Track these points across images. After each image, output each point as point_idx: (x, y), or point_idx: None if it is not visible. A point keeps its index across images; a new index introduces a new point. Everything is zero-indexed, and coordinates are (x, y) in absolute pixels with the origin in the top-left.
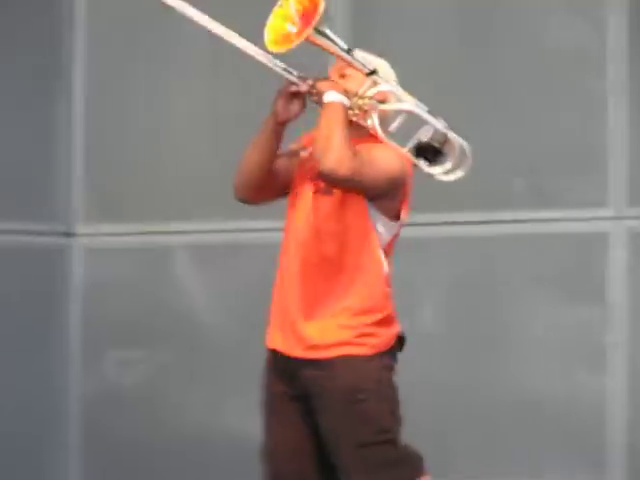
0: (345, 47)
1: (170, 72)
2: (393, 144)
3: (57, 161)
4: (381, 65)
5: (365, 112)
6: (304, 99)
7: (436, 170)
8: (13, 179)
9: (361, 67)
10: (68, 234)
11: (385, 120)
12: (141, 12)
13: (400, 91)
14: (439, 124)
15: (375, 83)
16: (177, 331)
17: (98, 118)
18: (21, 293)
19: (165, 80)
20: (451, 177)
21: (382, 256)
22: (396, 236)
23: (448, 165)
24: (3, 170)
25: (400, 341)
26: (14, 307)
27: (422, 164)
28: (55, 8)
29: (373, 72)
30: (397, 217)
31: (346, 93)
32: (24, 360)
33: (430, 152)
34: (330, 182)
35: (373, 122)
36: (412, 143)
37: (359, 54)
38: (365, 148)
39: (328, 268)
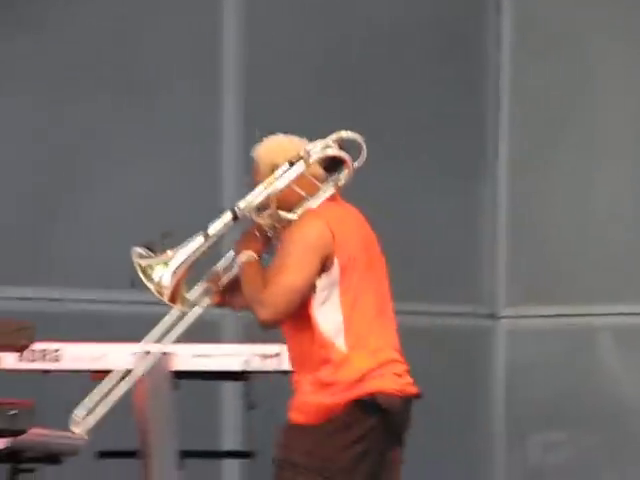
0: (201, 240)
1: (591, 153)
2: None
3: (482, 243)
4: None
5: (275, 224)
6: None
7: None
8: (440, 262)
9: (223, 226)
10: (492, 316)
11: (292, 197)
12: (565, 96)
13: (280, 172)
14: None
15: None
16: (600, 413)
17: (521, 200)
18: (445, 374)
19: (586, 161)
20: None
21: (317, 316)
22: (352, 276)
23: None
24: (431, 253)
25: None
26: (439, 387)
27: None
28: (481, 91)
29: (235, 215)
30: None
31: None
32: (448, 443)
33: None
34: (272, 328)
35: (287, 218)
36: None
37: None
38: (281, 262)
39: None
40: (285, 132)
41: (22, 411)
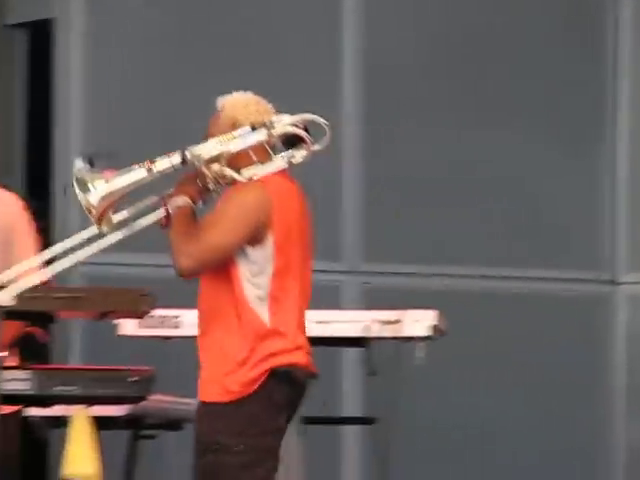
0: (144, 173)
1: None
2: (258, 175)
3: (602, 209)
4: (234, 105)
5: (219, 179)
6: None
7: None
8: (560, 229)
9: (170, 168)
10: (612, 282)
11: (243, 158)
12: None
13: (240, 132)
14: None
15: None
16: None
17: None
18: (565, 341)
19: None
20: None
21: (244, 286)
22: (284, 253)
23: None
24: (551, 220)
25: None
26: (558, 353)
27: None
28: (601, 58)
29: (184, 160)
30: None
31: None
32: (569, 407)
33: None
34: (188, 279)
35: (233, 177)
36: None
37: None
38: (214, 218)
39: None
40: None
41: (142, 378)
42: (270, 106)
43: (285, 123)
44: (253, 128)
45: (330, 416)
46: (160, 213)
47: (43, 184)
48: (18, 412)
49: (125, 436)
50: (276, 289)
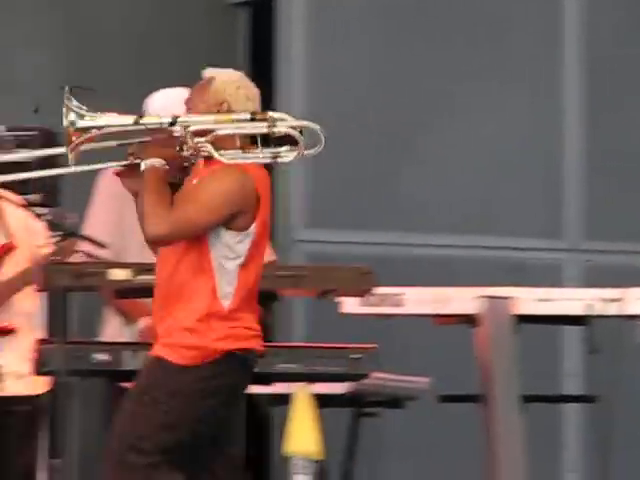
0: (129, 121)
1: None
2: (238, 162)
3: None
4: (224, 83)
5: (199, 150)
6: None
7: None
8: None
9: (158, 126)
10: None
11: (227, 140)
12: None
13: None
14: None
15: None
16: None
17: None
18: None
19: None
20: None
21: (216, 266)
22: (257, 244)
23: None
24: None
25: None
26: None
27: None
28: None
29: (173, 123)
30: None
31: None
32: None
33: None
34: (156, 246)
35: (215, 155)
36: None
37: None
38: (191, 193)
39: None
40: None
41: (365, 355)
42: (257, 92)
43: (288, 125)
44: (253, 119)
45: (551, 394)
46: (127, 161)
47: None
48: None
49: (347, 414)
50: (244, 275)
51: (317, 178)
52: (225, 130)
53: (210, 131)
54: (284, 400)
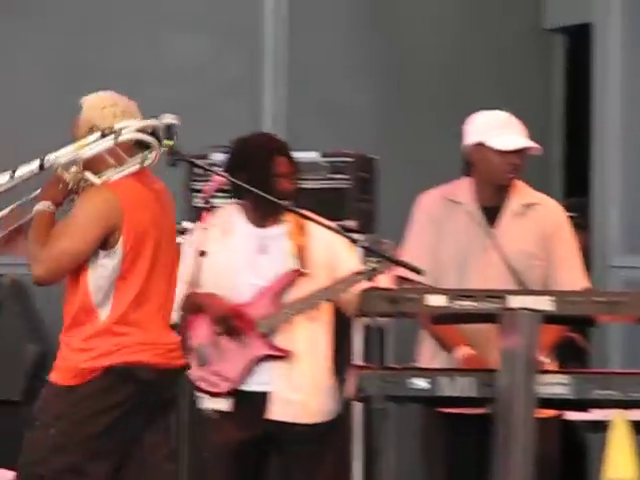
0: (6, 177)
1: None
2: (114, 178)
3: None
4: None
5: (79, 181)
6: None
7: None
8: None
9: (30, 174)
10: None
11: (99, 162)
12: None
13: (92, 138)
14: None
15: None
16: None
17: None
18: None
19: None
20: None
21: (90, 284)
22: (134, 258)
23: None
24: None
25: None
26: None
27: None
28: None
29: (42, 165)
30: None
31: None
32: None
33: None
34: (44, 286)
35: (91, 180)
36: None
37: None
38: (65, 224)
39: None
40: None
41: None
42: (131, 105)
43: (131, 130)
44: (103, 135)
45: None
46: (28, 217)
47: (583, 179)
48: (558, 416)
49: None
50: (124, 290)
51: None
52: (86, 154)
53: (76, 160)
54: (601, 427)
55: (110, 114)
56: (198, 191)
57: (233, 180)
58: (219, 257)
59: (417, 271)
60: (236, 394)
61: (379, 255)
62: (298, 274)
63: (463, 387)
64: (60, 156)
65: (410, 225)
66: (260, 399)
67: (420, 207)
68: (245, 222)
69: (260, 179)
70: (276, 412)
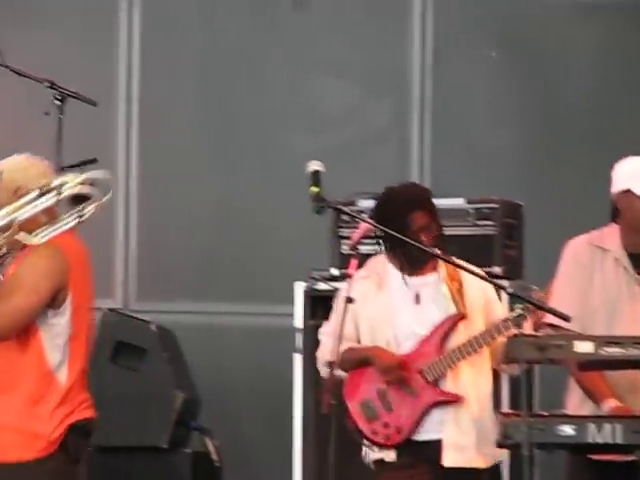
0: None
1: None
2: (51, 236)
3: None
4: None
5: (13, 243)
6: None
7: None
8: None
9: None
10: None
11: (33, 221)
12: None
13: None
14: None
15: None
16: None
17: None
18: None
19: None
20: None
21: (45, 347)
22: (81, 316)
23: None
24: None
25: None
26: None
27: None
28: None
29: None
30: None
31: None
32: None
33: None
34: None
35: (29, 241)
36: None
37: None
38: (15, 282)
39: None
40: None
41: None
42: (47, 164)
43: (72, 185)
44: (41, 194)
45: None
46: None
47: None
48: None
49: None
50: (74, 350)
51: None
52: (24, 215)
53: (12, 223)
54: None
55: (34, 174)
56: (345, 238)
57: (381, 228)
58: (376, 309)
59: (565, 318)
60: (408, 444)
61: (526, 301)
62: (459, 318)
63: (611, 434)
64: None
65: (558, 271)
66: (431, 447)
67: (568, 253)
68: (397, 272)
69: (400, 233)
70: (450, 458)
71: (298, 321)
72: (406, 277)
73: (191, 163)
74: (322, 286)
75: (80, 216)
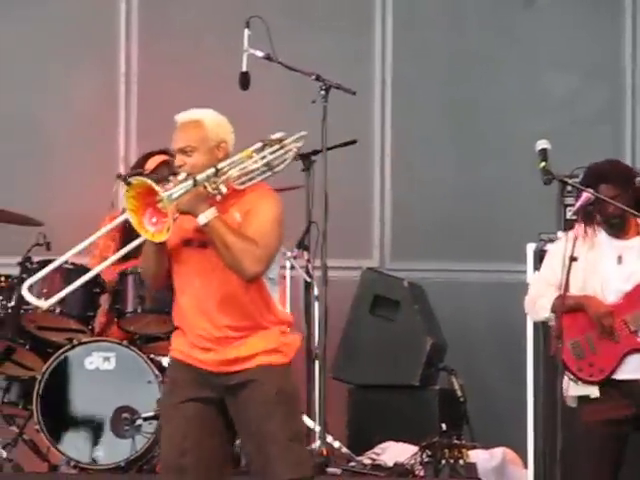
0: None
1: None
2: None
3: None
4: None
5: (219, 186)
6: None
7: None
8: None
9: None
10: None
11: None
12: None
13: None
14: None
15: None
16: None
17: None
18: None
19: None
20: None
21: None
22: None
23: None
24: None
25: None
26: None
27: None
28: None
29: (217, 171)
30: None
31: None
32: None
33: None
34: (252, 282)
35: (234, 187)
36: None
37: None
38: (263, 223)
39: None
40: None
41: None
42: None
43: (293, 139)
44: (265, 145)
45: None
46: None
47: None
48: None
49: None
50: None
51: None
52: (254, 165)
53: (234, 169)
54: None
55: (229, 130)
56: (569, 205)
57: (599, 196)
58: (587, 265)
59: None
60: (608, 382)
61: None
62: None
63: None
64: (228, 167)
65: None
66: (630, 385)
67: None
68: (606, 234)
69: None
70: None
71: (529, 277)
72: (613, 239)
73: (437, 141)
74: (549, 247)
75: (272, 168)
